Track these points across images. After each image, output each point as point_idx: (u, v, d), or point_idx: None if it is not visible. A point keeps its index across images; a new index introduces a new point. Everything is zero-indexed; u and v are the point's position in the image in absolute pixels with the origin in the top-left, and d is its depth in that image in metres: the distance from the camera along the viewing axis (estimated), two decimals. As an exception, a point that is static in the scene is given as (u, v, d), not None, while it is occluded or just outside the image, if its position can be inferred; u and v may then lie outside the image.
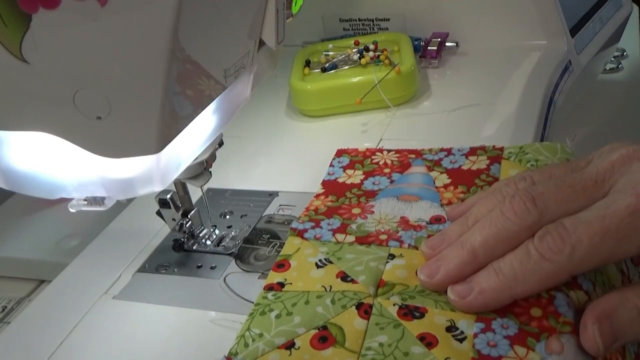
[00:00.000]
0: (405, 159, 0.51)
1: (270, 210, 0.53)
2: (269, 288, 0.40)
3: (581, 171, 0.37)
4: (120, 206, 0.57)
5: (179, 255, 0.49)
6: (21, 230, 0.62)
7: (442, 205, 0.45)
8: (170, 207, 0.48)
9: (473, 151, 0.50)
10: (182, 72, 0.33)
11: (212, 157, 0.46)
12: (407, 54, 0.69)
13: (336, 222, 0.45)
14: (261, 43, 0.41)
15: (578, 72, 0.74)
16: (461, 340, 0.34)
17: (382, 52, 0.69)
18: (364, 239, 0.43)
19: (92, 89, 0.31)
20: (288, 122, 0.69)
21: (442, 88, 0.70)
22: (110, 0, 0.29)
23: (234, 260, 0.48)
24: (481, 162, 0.49)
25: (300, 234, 0.45)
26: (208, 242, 0.50)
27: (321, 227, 0.45)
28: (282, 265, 0.42)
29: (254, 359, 0.35)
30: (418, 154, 0.52)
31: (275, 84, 0.76)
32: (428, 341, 0.34)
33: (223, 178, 0.58)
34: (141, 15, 0.29)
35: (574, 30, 0.76)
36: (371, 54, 0.69)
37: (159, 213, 0.48)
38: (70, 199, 0.39)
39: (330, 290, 0.39)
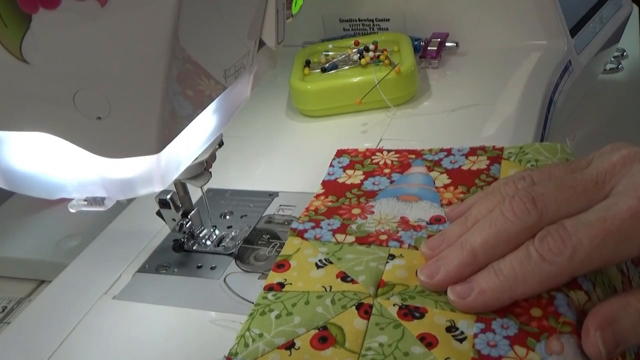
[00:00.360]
0: (405, 159, 0.51)
1: (270, 210, 0.53)
2: (269, 288, 0.40)
3: (582, 172, 0.37)
4: (120, 206, 0.57)
5: (179, 255, 0.49)
6: (21, 230, 0.62)
7: (442, 205, 0.45)
8: (170, 208, 0.48)
9: (473, 151, 0.50)
10: (182, 72, 0.33)
11: (212, 157, 0.46)
12: (407, 54, 0.69)
13: (336, 223, 0.45)
14: (261, 43, 0.41)
15: (578, 72, 0.73)
16: (461, 341, 0.34)
17: (382, 52, 0.69)
18: (364, 239, 0.43)
19: (92, 89, 0.31)
20: (288, 122, 0.69)
21: (442, 88, 0.70)
22: (110, 0, 0.29)
23: (234, 260, 0.48)
24: (481, 162, 0.49)
25: (300, 234, 0.45)
26: (208, 243, 0.50)
27: (321, 228, 0.45)
28: (282, 266, 0.42)
29: (254, 359, 0.35)
30: (418, 154, 0.52)
31: (275, 84, 0.76)
32: (428, 341, 0.34)
33: (223, 178, 0.58)
34: (141, 15, 0.29)
35: (574, 31, 0.76)
36: (371, 54, 0.69)
37: (159, 213, 0.48)
38: (70, 199, 0.39)
39: (330, 291, 0.39)
